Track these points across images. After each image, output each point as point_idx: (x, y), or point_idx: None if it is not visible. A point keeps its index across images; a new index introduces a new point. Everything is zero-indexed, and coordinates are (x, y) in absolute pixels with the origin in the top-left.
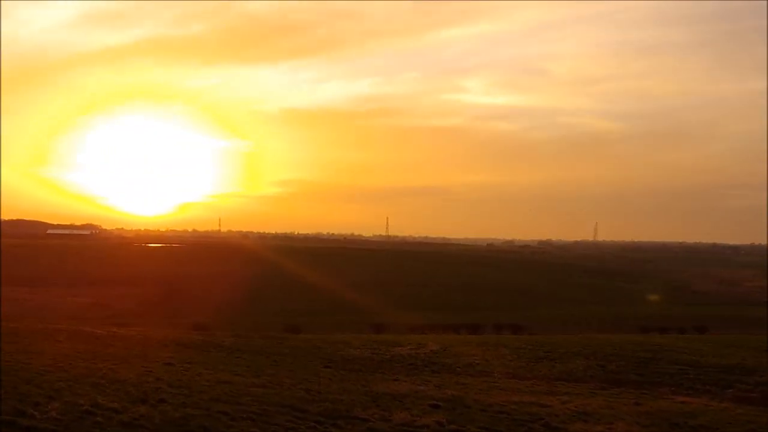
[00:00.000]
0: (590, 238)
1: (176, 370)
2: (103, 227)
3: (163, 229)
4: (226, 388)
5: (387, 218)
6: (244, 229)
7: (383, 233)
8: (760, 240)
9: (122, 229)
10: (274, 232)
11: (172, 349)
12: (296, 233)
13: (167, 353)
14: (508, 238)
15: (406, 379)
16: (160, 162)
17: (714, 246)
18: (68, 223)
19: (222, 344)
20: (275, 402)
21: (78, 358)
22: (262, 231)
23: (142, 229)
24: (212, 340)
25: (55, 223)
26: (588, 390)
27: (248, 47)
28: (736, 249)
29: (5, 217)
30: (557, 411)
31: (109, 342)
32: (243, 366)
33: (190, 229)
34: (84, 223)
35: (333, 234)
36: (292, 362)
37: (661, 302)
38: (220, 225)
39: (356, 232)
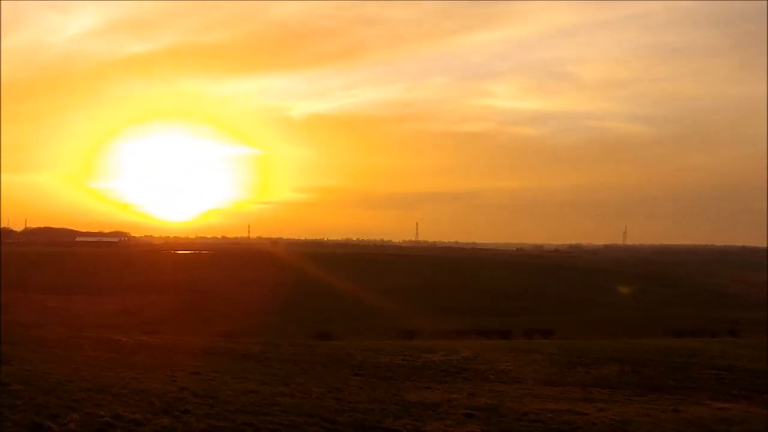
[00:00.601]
0: (619, 242)
1: (202, 379)
2: (132, 234)
3: (192, 236)
4: (252, 397)
5: (416, 224)
6: (274, 236)
7: (413, 239)
8: None
9: (151, 236)
10: (303, 238)
11: (200, 357)
12: (326, 239)
13: (194, 362)
14: (538, 242)
15: (438, 386)
16: (187, 169)
17: (743, 248)
18: (97, 230)
19: (250, 352)
20: (304, 412)
21: (101, 366)
22: (291, 237)
23: (171, 236)
24: (240, 348)
25: (84, 230)
26: (624, 397)
27: (275, 54)
28: (766, 252)
29: (33, 224)
30: (594, 419)
31: (134, 350)
32: (271, 375)
33: (219, 236)
34: (112, 230)
35: (363, 240)
36: (321, 370)
37: (692, 305)
38: (249, 232)
39: (386, 238)
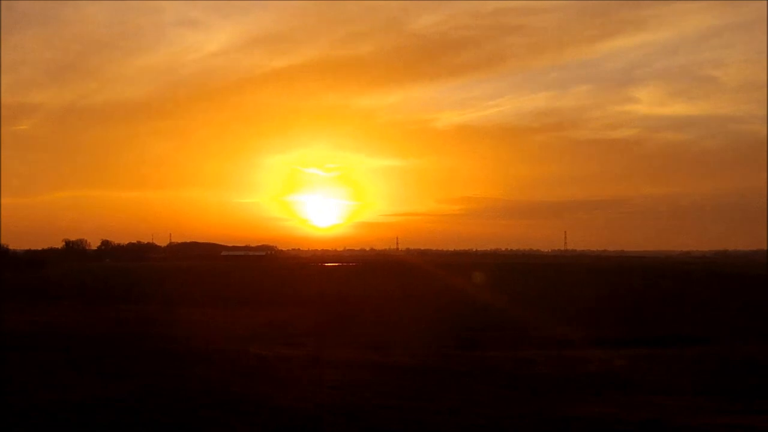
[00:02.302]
0: (764, 247)
1: (339, 394)
2: (279, 248)
3: (340, 249)
4: (390, 413)
5: (565, 232)
6: (422, 248)
7: (561, 248)
8: None
9: (298, 249)
10: (452, 249)
11: (342, 370)
12: (474, 250)
13: (334, 375)
14: (685, 249)
15: (594, 399)
16: (333, 183)
17: None
18: (243, 244)
19: (393, 364)
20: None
21: (233, 382)
22: (439, 249)
23: (318, 249)
24: (384, 361)
25: (230, 245)
26: None
27: (416, 66)
28: None
29: (178, 239)
30: None
31: (272, 363)
32: (414, 388)
33: (367, 248)
34: (259, 244)
35: (511, 250)
36: (468, 382)
37: None
38: (397, 244)
39: (534, 247)
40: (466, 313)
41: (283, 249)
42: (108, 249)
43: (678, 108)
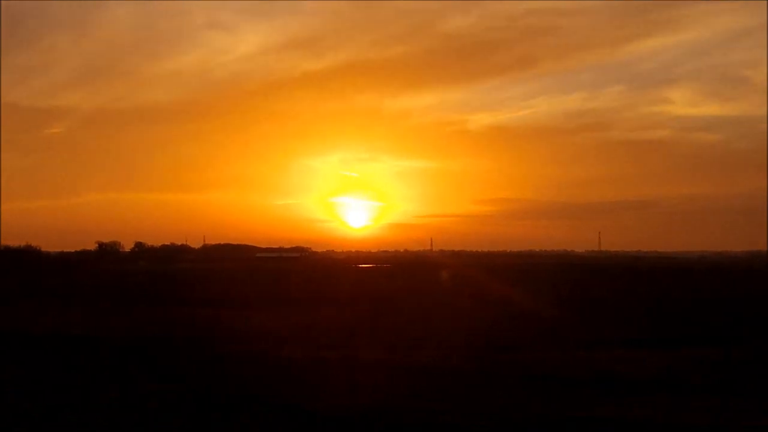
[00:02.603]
0: None
1: (373, 397)
2: (313, 249)
3: (374, 250)
4: (424, 416)
5: (599, 233)
6: (456, 249)
7: (595, 248)
8: None
9: (332, 250)
10: (486, 250)
11: (375, 372)
12: (508, 251)
13: (368, 377)
14: (719, 249)
15: (633, 400)
16: (367, 184)
17: None
18: (277, 246)
19: (426, 366)
20: None
21: (267, 384)
22: (474, 250)
23: (353, 250)
24: (417, 362)
25: (264, 246)
26: None
27: (449, 68)
28: None
29: (212, 241)
30: None
31: (304, 367)
32: (447, 390)
33: (401, 250)
34: (293, 245)
35: (545, 250)
36: (501, 384)
37: None
38: (431, 245)
39: (568, 248)
40: (499, 315)
41: (318, 250)
42: (141, 251)
43: (711, 108)
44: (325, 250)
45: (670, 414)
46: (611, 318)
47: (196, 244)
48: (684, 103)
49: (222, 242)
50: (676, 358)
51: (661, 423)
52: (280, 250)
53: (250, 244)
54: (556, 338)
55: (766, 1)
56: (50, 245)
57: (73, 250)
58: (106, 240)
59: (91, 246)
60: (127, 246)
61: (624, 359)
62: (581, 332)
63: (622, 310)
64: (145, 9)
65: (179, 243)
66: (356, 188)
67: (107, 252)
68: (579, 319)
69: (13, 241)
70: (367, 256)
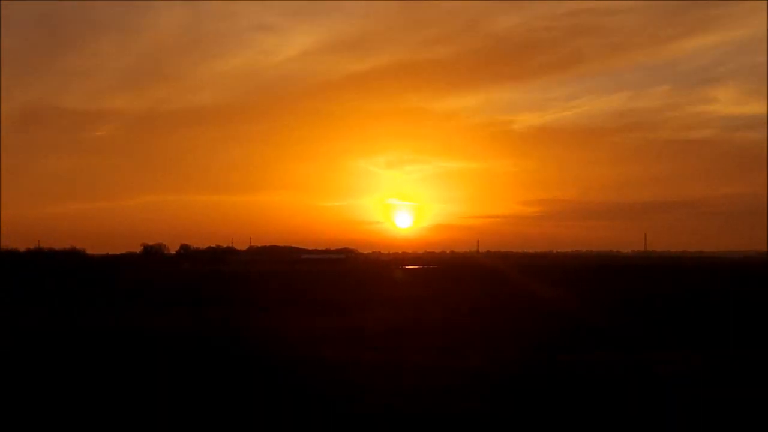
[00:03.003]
0: None
1: (417, 401)
2: (360, 251)
3: (420, 252)
4: (469, 420)
5: (645, 234)
6: (503, 250)
7: (641, 249)
8: None
9: (378, 252)
10: (532, 251)
11: (420, 375)
12: (555, 252)
13: (412, 380)
14: (763, 249)
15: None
16: (414, 185)
17: None
18: (324, 248)
19: (470, 369)
20: None
21: (310, 387)
22: (520, 251)
23: (399, 252)
24: (461, 365)
25: (311, 248)
26: None
27: (495, 68)
28: None
29: (258, 243)
30: None
31: (349, 368)
32: (492, 394)
33: (447, 251)
34: (340, 247)
35: (591, 251)
36: (547, 387)
37: None
38: (478, 246)
39: (614, 249)
40: (545, 317)
41: (363, 252)
42: (187, 253)
43: (755, 107)
44: (371, 251)
45: None
46: (656, 318)
47: (242, 246)
48: (728, 102)
49: (268, 244)
50: (723, 358)
51: None
52: (326, 252)
53: (296, 246)
54: (605, 340)
55: None
56: (95, 248)
57: (117, 253)
58: (151, 242)
59: (136, 248)
60: (173, 248)
61: (670, 360)
62: (629, 333)
63: (666, 310)
64: (191, 11)
65: (224, 245)
66: (402, 189)
67: (152, 254)
68: (627, 320)
69: (57, 244)
70: (412, 258)
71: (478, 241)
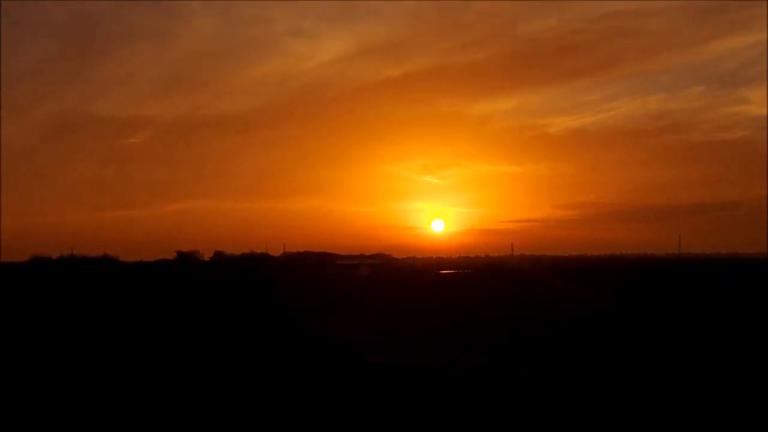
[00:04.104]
0: None
1: (461, 405)
2: (394, 256)
3: (455, 256)
4: (513, 423)
5: (679, 236)
6: (538, 253)
7: (675, 251)
8: None
9: (413, 257)
10: (567, 254)
11: (462, 379)
12: (590, 255)
13: (453, 384)
14: None
15: None
16: (449, 189)
17: None
18: (358, 253)
19: (511, 372)
20: None
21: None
22: (555, 254)
23: (434, 256)
24: (501, 367)
25: (344, 254)
26: None
27: (532, 71)
28: None
29: (292, 249)
30: None
31: (392, 372)
32: (536, 398)
33: (482, 255)
34: (374, 252)
35: (626, 254)
36: (588, 390)
37: None
38: (512, 249)
39: (649, 251)
40: (581, 319)
41: (398, 257)
42: (221, 259)
43: None
44: (406, 256)
45: None
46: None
47: (276, 252)
48: (761, 103)
49: (302, 250)
50: None
51: None
52: (361, 257)
53: (330, 251)
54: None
55: None
56: (129, 255)
57: (151, 260)
58: (185, 249)
59: (171, 255)
60: (207, 255)
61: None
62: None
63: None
64: (226, 17)
65: (258, 251)
66: (437, 194)
67: (186, 261)
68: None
69: (91, 251)
70: (447, 262)
71: (512, 245)
